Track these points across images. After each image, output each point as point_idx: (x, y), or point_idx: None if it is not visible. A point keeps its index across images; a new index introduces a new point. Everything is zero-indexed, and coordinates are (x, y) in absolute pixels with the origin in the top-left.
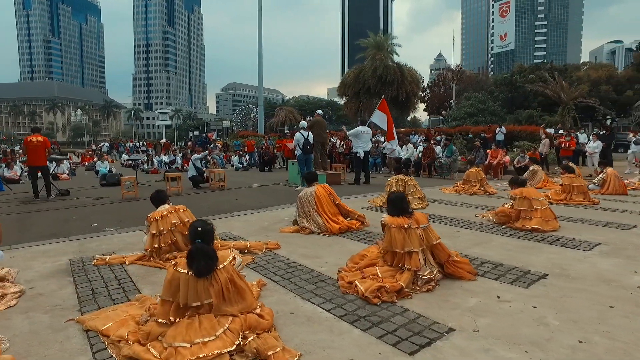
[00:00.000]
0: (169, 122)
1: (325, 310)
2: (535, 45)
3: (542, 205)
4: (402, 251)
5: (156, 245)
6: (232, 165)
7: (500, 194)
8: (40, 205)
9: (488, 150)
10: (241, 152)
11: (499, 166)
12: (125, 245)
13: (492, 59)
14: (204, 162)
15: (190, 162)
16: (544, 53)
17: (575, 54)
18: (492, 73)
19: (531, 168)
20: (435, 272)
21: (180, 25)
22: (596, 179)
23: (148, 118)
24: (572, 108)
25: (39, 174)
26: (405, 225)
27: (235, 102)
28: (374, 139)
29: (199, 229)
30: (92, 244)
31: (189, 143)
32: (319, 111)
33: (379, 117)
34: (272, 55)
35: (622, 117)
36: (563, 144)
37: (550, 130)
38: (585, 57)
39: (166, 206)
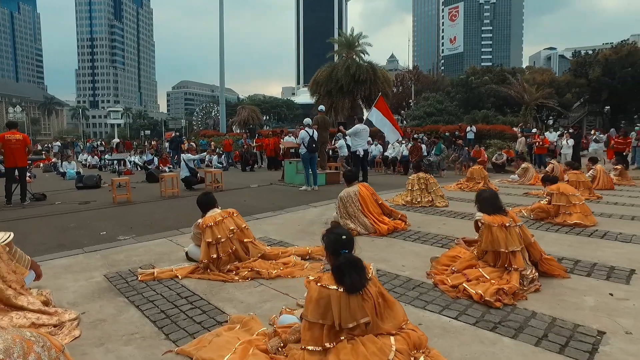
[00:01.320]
0: (121, 121)
1: (452, 318)
2: (482, 49)
3: (579, 200)
4: (506, 251)
5: (214, 256)
6: (207, 166)
7: (503, 191)
8: (18, 212)
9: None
10: (220, 152)
11: (483, 164)
12: (158, 256)
13: (442, 60)
14: (196, 162)
15: (182, 162)
16: (490, 56)
17: (517, 58)
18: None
19: (523, 165)
20: (534, 271)
21: (129, 19)
22: (587, 175)
23: (95, 116)
24: (534, 108)
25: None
26: (507, 224)
27: (187, 100)
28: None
29: (344, 237)
30: (118, 255)
31: (153, 143)
32: (321, 107)
33: (376, 116)
34: (225, 53)
35: (562, 117)
36: (537, 142)
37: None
38: (525, 62)
39: (217, 210)
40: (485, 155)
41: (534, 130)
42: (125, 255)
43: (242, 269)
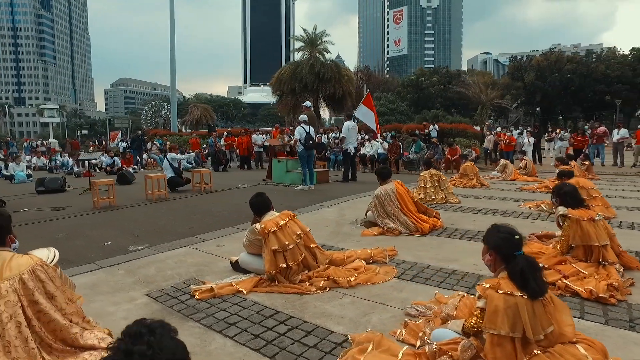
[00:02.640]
0: (57, 119)
1: (579, 318)
2: (425, 52)
3: (598, 193)
4: (599, 245)
5: (283, 265)
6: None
7: (497, 186)
8: None
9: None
10: (189, 152)
11: (458, 161)
12: (195, 268)
13: (387, 62)
14: (182, 162)
15: (166, 161)
16: (433, 59)
17: (457, 61)
18: (387, 76)
19: (502, 162)
20: (619, 265)
21: (59, 9)
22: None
23: (21, 114)
24: (490, 108)
25: None
26: (596, 217)
27: (128, 99)
28: (333, 134)
29: (516, 236)
30: (147, 270)
31: (103, 143)
32: (308, 103)
33: (363, 112)
34: (167, 50)
35: (501, 118)
36: (505, 140)
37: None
38: (464, 65)
39: (275, 213)
40: (467, 153)
41: (498, 129)
42: (155, 269)
43: (315, 278)
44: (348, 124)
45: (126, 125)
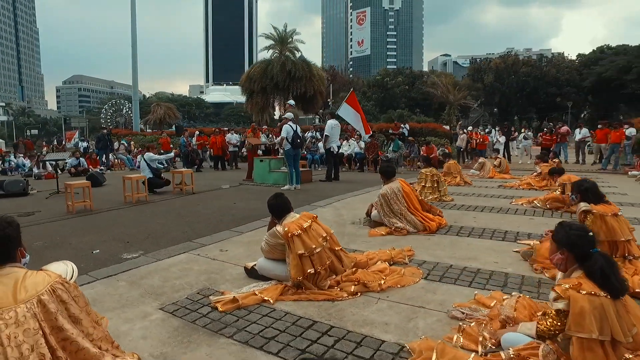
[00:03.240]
0: (3, 118)
1: None
2: (388, 52)
3: None
4: (624, 239)
5: (310, 270)
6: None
7: (479, 184)
8: None
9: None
10: (161, 151)
11: (435, 160)
12: (205, 276)
13: (350, 62)
14: (161, 162)
15: (143, 162)
16: (395, 60)
17: (419, 62)
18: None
19: (480, 160)
20: None
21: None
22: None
23: None
24: (457, 108)
25: None
26: (619, 213)
27: (82, 97)
28: (309, 134)
29: (590, 233)
30: (150, 280)
31: (63, 143)
32: (291, 102)
33: (346, 111)
34: (125, 47)
35: (463, 118)
36: (478, 140)
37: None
38: (425, 66)
39: (295, 215)
40: (437, 152)
41: (470, 128)
42: (161, 279)
43: (344, 282)
44: (331, 122)
45: (84, 124)
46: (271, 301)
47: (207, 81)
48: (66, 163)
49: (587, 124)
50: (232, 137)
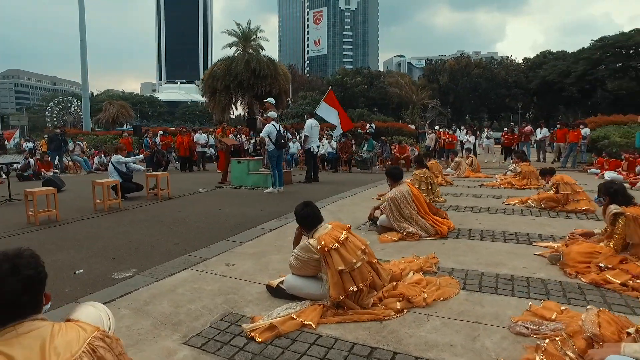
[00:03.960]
0: None
1: None
2: (344, 52)
3: (580, 188)
4: None
5: (353, 288)
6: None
7: (460, 183)
8: None
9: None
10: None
11: (408, 160)
12: (222, 298)
13: (307, 61)
14: (128, 165)
15: (111, 165)
16: (352, 60)
17: (375, 62)
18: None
19: (456, 159)
20: None
21: None
22: (512, 167)
23: None
24: (420, 108)
25: None
26: None
27: (20, 93)
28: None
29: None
30: (159, 306)
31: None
32: (271, 100)
33: (325, 110)
34: (70, 41)
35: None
36: (447, 139)
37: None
38: (381, 67)
39: (327, 225)
40: (410, 151)
41: (437, 127)
42: (170, 304)
43: (387, 299)
44: (310, 122)
45: (25, 122)
46: (313, 326)
47: (160, 79)
48: (12, 166)
49: (531, 124)
50: (201, 137)
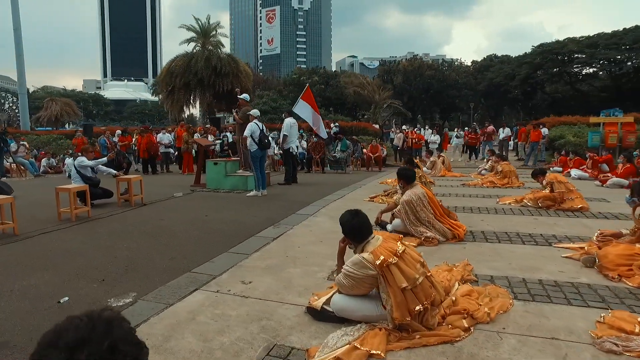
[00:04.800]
0: None
1: None
2: (298, 52)
3: (573, 187)
4: None
5: (419, 308)
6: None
7: (441, 183)
8: None
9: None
10: (72, 153)
11: (380, 159)
12: (257, 324)
13: (261, 60)
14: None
15: (73, 169)
16: (305, 59)
17: (328, 62)
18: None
19: (431, 159)
20: None
21: None
22: (487, 166)
23: None
24: (382, 107)
25: None
26: None
27: None
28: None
29: None
30: (183, 341)
31: None
32: (246, 96)
33: (303, 108)
34: (3, 34)
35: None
36: (414, 139)
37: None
38: (334, 67)
39: (378, 237)
40: (382, 151)
41: (404, 127)
42: (198, 338)
43: (450, 316)
44: (289, 120)
45: None
46: (382, 355)
47: (105, 76)
48: None
49: (479, 124)
50: (164, 137)
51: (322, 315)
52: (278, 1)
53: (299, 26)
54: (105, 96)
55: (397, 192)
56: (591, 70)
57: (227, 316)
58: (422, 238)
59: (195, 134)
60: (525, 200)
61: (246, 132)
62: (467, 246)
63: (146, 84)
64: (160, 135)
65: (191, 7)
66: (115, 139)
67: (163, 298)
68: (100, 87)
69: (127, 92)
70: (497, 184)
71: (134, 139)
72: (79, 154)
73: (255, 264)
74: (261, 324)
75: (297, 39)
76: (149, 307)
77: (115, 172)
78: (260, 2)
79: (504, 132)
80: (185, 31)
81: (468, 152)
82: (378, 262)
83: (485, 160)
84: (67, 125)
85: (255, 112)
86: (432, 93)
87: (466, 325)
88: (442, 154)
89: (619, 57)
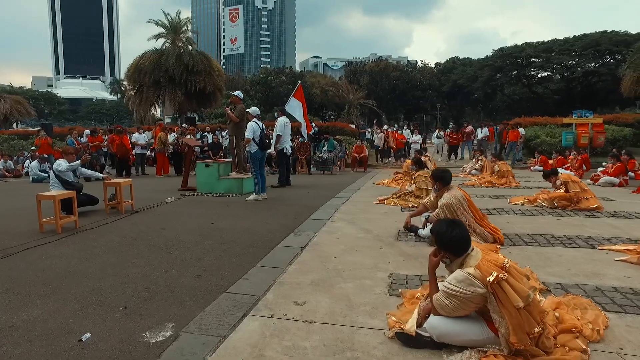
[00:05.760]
0: None
1: None
2: (261, 52)
3: (586, 186)
4: None
5: (538, 329)
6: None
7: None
8: None
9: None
10: (36, 155)
11: (365, 159)
12: (340, 356)
13: (224, 60)
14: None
15: (52, 174)
16: (269, 59)
17: (292, 62)
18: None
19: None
20: None
21: None
22: (477, 165)
23: None
24: (357, 107)
25: None
26: None
27: None
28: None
29: None
30: None
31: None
32: (239, 93)
33: (294, 106)
34: None
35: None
36: (394, 138)
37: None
38: (298, 67)
39: (478, 250)
40: (366, 151)
41: (385, 127)
42: None
43: (560, 335)
44: (282, 120)
45: None
46: None
47: (57, 73)
48: None
49: (442, 125)
50: (140, 137)
51: (416, 342)
52: (241, 0)
53: (263, 26)
54: (58, 94)
55: (408, 193)
56: (546, 73)
57: (301, 349)
58: None
59: (171, 134)
60: (539, 201)
61: (248, 134)
62: (515, 251)
63: (103, 82)
64: (136, 135)
65: (150, 4)
66: (84, 139)
67: (210, 328)
68: (52, 85)
69: (83, 91)
70: (495, 184)
71: (105, 139)
72: (44, 155)
73: (298, 279)
74: (346, 356)
75: (261, 39)
76: (199, 342)
77: (102, 175)
78: (223, 0)
79: (482, 132)
80: (153, 27)
81: (449, 152)
82: (491, 278)
83: (474, 160)
84: (15, 125)
85: (254, 110)
86: (397, 94)
87: (583, 347)
88: (427, 154)
89: (571, 62)
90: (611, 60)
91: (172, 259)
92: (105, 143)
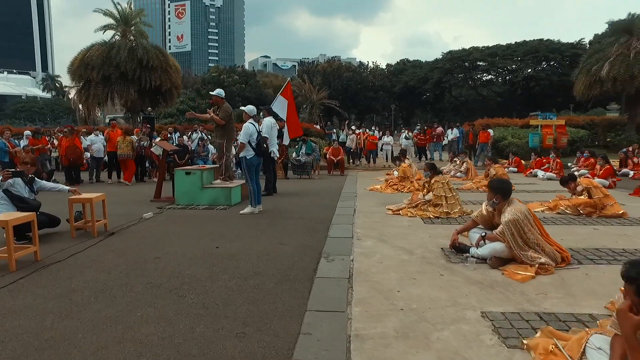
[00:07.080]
0: None
1: None
2: (209, 50)
3: (607, 191)
4: None
5: None
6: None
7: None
8: None
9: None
10: None
11: (343, 162)
12: None
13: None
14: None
15: (1, 193)
16: (217, 58)
17: (240, 62)
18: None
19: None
20: None
21: None
22: (462, 168)
23: None
24: (320, 107)
25: None
26: None
27: None
28: (196, 135)
29: None
30: None
31: None
32: (220, 91)
33: (281, 105)
34: None
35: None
36: (365, 139)
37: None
38: (247, 66)
39: None
40: (343, 153)
41: (353, 127)
42: None
43: None
44: (269, 121)
45: None
46: None
47: None
48: None
49: (392, 125)
50: (97, 140)
51: None
52: None
53: (211, 23)
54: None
55: (426, 203)
56: (490, 77)
57: None
58: (537, 265)
59: (132, 137)
60: (562, 207)
61: (242, 137)
62: (585, 270)
63: (34, 78)
64: (91, 137)
65: None
66: (25, 141)
67: None
68: None
69: (9, 87)
70: None
71: (49, 142)
72: None
73: (376, 329)
74: None
75: (209, 37)
76: None
77: (67, 187)
78: None
79: (452, 133)
80: (94, 20)
81: (418, 153)
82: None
83: (458, 162)
84: None
85: (251, 109)
86: (349, 94)
87: None
88: (407, 157)
89: (514, 66)
90: (546, 67)
91: (191, 306)
92: (49, 146)
